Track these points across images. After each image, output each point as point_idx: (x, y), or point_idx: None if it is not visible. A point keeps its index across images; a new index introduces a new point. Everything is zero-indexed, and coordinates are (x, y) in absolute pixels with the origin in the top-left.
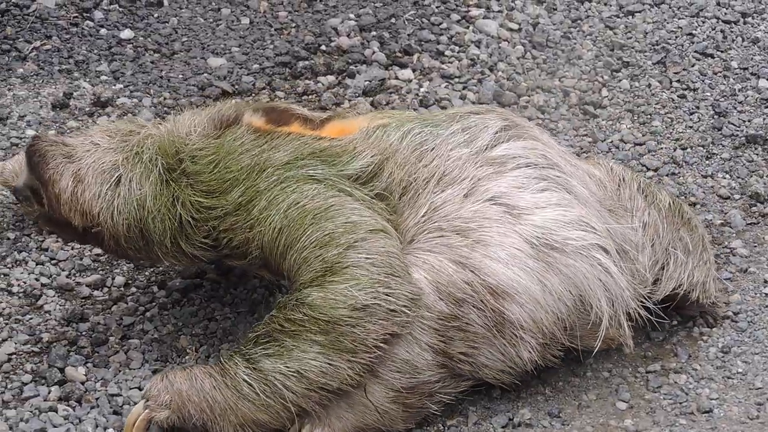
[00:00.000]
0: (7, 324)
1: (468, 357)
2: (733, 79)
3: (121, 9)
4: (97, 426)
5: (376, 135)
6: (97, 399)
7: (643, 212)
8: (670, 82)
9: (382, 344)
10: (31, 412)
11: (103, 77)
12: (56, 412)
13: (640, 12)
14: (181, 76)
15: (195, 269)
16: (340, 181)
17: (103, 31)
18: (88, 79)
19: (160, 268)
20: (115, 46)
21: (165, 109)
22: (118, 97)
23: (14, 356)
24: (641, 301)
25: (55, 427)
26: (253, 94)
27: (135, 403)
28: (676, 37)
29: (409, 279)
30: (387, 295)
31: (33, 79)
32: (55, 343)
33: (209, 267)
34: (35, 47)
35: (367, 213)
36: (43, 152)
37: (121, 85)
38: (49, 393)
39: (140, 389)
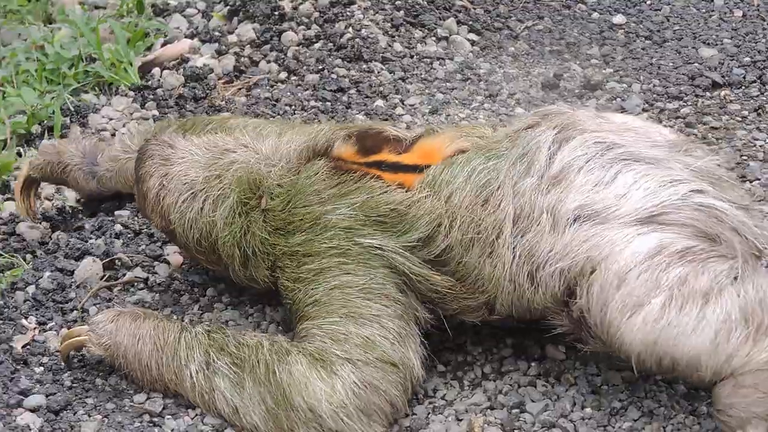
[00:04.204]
0: None
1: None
2: None
3: None
4: (574, 404)
5: (441, 181)
6: (575, 378)
7: None
8: None
9: None
10: (510, 385)
11: (594, 60)
12: (535, 387)
13: None
14: (671, 64)
15: None
16: (397, 254)
17: (595, 15)
18: (578, 62)
19: None
20: (606, 31)
21: (654, 96)
22: (608, 82)
23: None
24: None
25: (533, 402)
26: (743, 87)
27: (614, 385)
28: None
29: (371, 425)
30: (343, 422)
31: (524, 58)
32: None
33: None
34: (527, 27)
35: (393, 336)
36: (145, 150)
37: (611, 70)
38: (528, 368)
39: (619, 371)
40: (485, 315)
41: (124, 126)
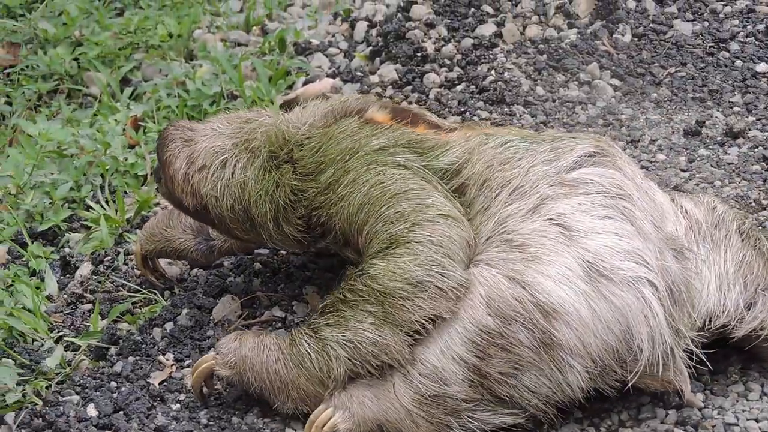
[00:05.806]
0: None
1: (509, 378)
2: None
3: (757, 42)
4: None
5: (475, 139)
6: (713, 427)
7: (737, 252)
8: None
9: (426, 323)
10: None
11: (736, 108)
12: None
13: None
14: None
15: None
16: (425, 171)
17: (738, 62)
18: (720, 109)
19: None
20: (749, 79)
21: None
22: (750, 129)
23: None
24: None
25: None
26: None
27: None
28: None
29: (461, 267)
30: (440, 274)
31: (666, 104)
32: None
33: None
34: (670, 73)
35: (442, 200)
36: (166, 135)
37: (754, 118)
38: (666, 416)
39: (757, 421)
40: None
41: None
